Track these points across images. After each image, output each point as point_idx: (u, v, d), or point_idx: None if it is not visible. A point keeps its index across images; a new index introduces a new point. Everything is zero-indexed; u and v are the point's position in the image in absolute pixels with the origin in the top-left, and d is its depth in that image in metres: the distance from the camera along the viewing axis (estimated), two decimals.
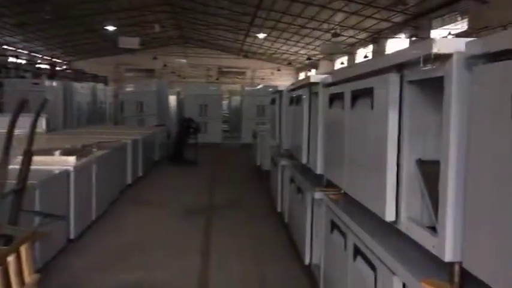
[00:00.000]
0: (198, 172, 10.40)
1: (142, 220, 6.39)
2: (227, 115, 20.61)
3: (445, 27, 20.60)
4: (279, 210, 6.08)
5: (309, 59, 34.67)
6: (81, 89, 16.79)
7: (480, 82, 1.43)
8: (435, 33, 21.13)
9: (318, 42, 33.37)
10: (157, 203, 7.40)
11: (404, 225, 1.91)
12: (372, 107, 2.25)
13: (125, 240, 5.44)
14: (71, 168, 4.77)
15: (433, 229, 1.71)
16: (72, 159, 5.06)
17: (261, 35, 25.89)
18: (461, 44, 1.51)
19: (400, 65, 1.97)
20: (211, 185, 9.14)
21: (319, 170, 3.59)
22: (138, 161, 8.75)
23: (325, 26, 27.81)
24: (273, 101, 6.96)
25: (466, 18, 19.05)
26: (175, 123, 15.62)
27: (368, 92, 2.30)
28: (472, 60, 1.47)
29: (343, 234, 2.87)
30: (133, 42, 22.35)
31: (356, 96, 2.59)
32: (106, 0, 24.36)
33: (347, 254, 2.73)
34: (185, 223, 6.22)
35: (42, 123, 8.72)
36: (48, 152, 5.45)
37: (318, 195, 3.51)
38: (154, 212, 6.83)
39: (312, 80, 3.61)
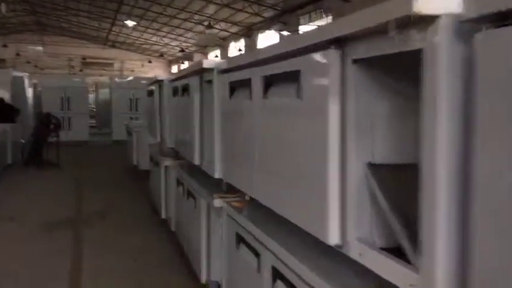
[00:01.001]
0: (61, 176, 9.00)
1: None
2: (94, 110, 18.78)
3: (311, 23, 21.63)
4: (163, 216, 5.37)
5: (182, 51, 33.81)
6: None
7: (484, 55, 1.01)
8: (303, 29, 22.07)
9: (190, 34, 32.63)
10: (9, 216, 6.08)
11: (357, 251, 1.46)
12: (299, 96, 1.76)
13: None
14: None
15: (400, 254, 1.29)
16: None
17: (130, 23, 24.27)
18: (452, 3, 1.07)
19: (342, 39, 1.50)
20: (78, 191, 7.94)
21: (217, 174, 3.03)
22: None
23: (197, 18, 27.25)
24: (150, 93, 6.17)
25: (330, 15, 20.21)
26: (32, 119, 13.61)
27: (291, 77, 1.81)
28: (469, 26, 1.05)
29: (254, 252, 2.36)
30: None
31: (270, 83, 2.08)
32: None
33: (262, 277, 2.23)
34: (48, 241, 5.14)
35: None
36: None
37: (217, 202, 2.95)
38: (6, 230, 5.56)
39: (205, 65, 3.01)
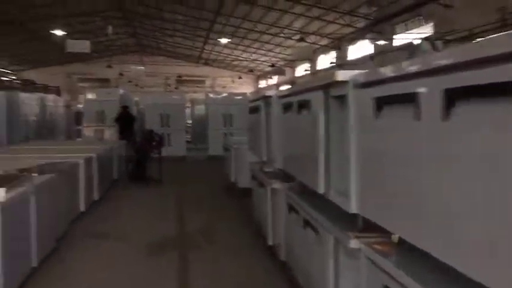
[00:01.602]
0: (163, 192, 9.11)
1: (97, 262, 5.11)
2: (189, 125, 19.38)
3: (409, 31, 20.36)
4: (270, 242, 4.98)
5: (272, 66, 33.93)
6: (28, 100, 15.10)
7: None
8: (399, 38, 20.87)
9: (279, 49, 32.72)
10: (117, 235, 6.12)
11: None
12: None
13: None
14: None
15: None
16: None
17: (223, 40, 24.81)
18: None
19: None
20: (180, 208, 7.92)
21: (353, 207, 2.54)
22: (93, 182, 7.39)
23: (286, 32, 27.17)
24: (254, 109, 5.88)
25: (431, 22, 18.86)
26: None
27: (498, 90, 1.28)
28: None
29: None
30: (83, 45, 20.57)
31: (452, 98, 1.56)
32: (54, 5, 22.51)
33: None
34: (153, 263, 5.01)
35: None
36: None
37: (354, 243, 2.46)
38: (113, 249, 5.56)
39: (338, 78, 2.56)
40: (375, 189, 2.33)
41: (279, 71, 32.42)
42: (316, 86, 3.11)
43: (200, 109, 18.27)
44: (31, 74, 37.71)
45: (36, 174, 4.92)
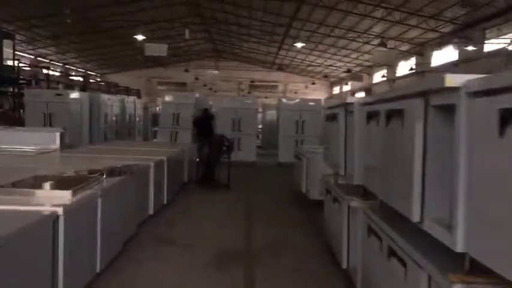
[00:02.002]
0: (231, 199, 8.90)
1: (162, 269, 4.94)
2: (259, 130, 19.25)
3: (502, 37, 18.62)
4: (343, 266, 4.50)
5: (348, 71, 33.02)
6: (109, 101, 15.76)
7: None
8: (491, 43, 19.16)
9: (355, 55, 31.69)
10: (183, 241, 5.96)
11: None
12: None
13: None
14: (60, 211, 3.37)
15: None
16: (65, 195, 3.69)
17: (299, 44, 24.46)
18: None
19: None
20: (247, 217, 7.64)
21: (461, 245, 2.03)
22: (163, 186, 7.35)
23: (364, 37, 26.20)
24: (331, 117, 5.42)
25: None
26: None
27: None
28: None
29: None
30: (160, 49, 21.25)
31: None
32: (136, 12, 23.57)
33: None
34: (218, 276, 4.74)
35: (54, 139, 7.50)
36: (38, 181, 4.12)
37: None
38: (178, 256, 5.38)
39: (449, 83, 2.06)
40: (494, 224, 1.81)
41: (356, 77, 31.37)
42: (412, 93, 2.63)
43: (271, 114, 18.02)
44: (115, 77, 40.04)
45: (105, 177, 4.87)
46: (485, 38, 19.39)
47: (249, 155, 13.48)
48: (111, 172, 5.18)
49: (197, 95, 15.56)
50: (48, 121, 12.43)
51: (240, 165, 12.14)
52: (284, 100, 14.79)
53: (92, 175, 4.75)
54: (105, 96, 15.44)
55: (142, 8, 23.42)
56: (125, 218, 5.39)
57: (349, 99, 4.41)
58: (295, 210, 8.07)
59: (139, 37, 21.54)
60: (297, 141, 13.84)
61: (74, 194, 3.78)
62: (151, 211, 6.80)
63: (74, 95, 13.59)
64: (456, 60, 22.02)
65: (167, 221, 6.97)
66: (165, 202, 7.63)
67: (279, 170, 13.07)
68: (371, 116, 3.62)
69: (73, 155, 7.24)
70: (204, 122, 12.99)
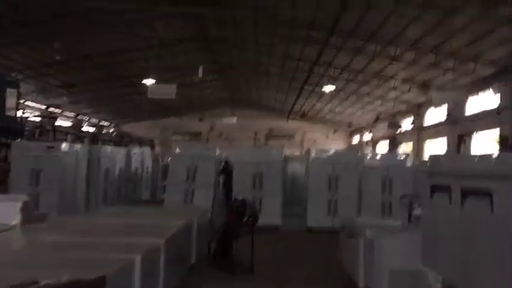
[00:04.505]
0: None
1: None
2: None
3: None
4: None
5: (377, 119, 30.98)
6: (112, 154, 13.86)
7: None
8: None
9: (378, 102, 29.83)
10: None
11: None
12: None
13: None
14: None
15: None
16: None
17: (327, 88, 22.69)
18: None
19: None
20: None
21: None
22: (157, 282, 5.05)
23: (390, 83, 24.45)
24: (439, 189, 3.25)
25: None
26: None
27: None
28: None
29: None
30: (168, 90, 18.70)
31: None
32: (151, 59, 22.33)
33: None
34: None
35: (13, 211, 5.43)
36: None
37: None
38: None
39: None
40: None
41: (394, 125, 28.77)
42: None
43: (294, 167, 15.88)
44: (130, 127, 38.84)
45: None
46: None
47: (272, 218, 11.13)
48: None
49: (218, 149, 13.52)
50: (35, 179, 10.51)
51: (261, 231, 9.84)
52: (314, 151, 12.58)
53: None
54: (107, 149, 13.59)
55: (159, 54, 22.24)
56: None
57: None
58: None
59: (150, 81, 19.75)
60: (330, 202, 11.61)
61: None
62: None
63: (69, 147, 11.71)
64: (498, 107, 19.88)
65: None
66: None
67: (311, 239, 10.72)
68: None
69: (26, 238, 5.03)
70: (225, 179, 11.03)
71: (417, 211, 5.33)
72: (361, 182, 11.62)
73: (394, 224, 6.23)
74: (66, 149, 11.45)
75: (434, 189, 2.92)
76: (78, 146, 12.08)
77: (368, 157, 11.97)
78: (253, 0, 16.51)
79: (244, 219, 7.22)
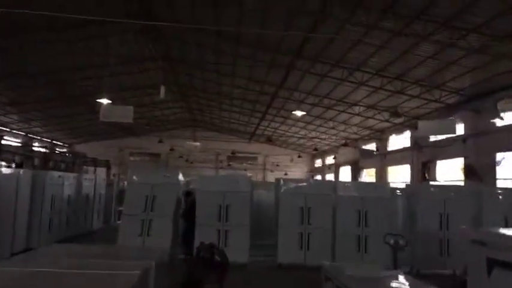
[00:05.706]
0: None
1: None
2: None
3: None
4: None
5: (345, 144, 30.71)
6: (59, 180, 12.44)
7: None
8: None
9: (342, 127, 29.64)
10: None
11: None
12: None
13: None
14: None
15: None
16: None
17: (298, 113, 22.12)
18: None
19: None
20: None
21: None
22: None
23: (354, 108, 24.24)
24: None
25: None
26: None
27: None
28: None
29: None
30: (124, 112, 15.92)
31: None
32: (107, 77, 20.94)
33: None
34: None
35: None
36: None
37: None
38: None
39: None
40: None
41: (367, 153, 28.51)
42: None
43: (261, 194, 14.79)
44: (84, 147, 36.69)
45: None
46: (497, 110, 17.36)
47: (239, 254, 10.03)
48: None
49: (181, 175, 12.19)
50: None
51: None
52: (283, 180, 11.60)
53: None
54: (53, 174, 12.14)
55: (115, 73, 20.88)
56: None
57: None
58: None
59: (105, 101, 18.16)
60: (302, 235, 10.72)
61: None
62: None
63: (7, 172, 10.26)
64: (463, 135, 19.94)
65: None
66: None
67: (283, 278, 9.73)
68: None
69: None
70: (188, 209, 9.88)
71: None
72: (335, 213, 10.80)
73: (385, 273, 5.42)
74: (4, 175, 10.00)
75: (493, 263, 2.04)
76: (19, 172, 10.61)
77: (342, 186, 11.17)
78: (217, 21, 15.72)
79: (214, 266, 6.14)
